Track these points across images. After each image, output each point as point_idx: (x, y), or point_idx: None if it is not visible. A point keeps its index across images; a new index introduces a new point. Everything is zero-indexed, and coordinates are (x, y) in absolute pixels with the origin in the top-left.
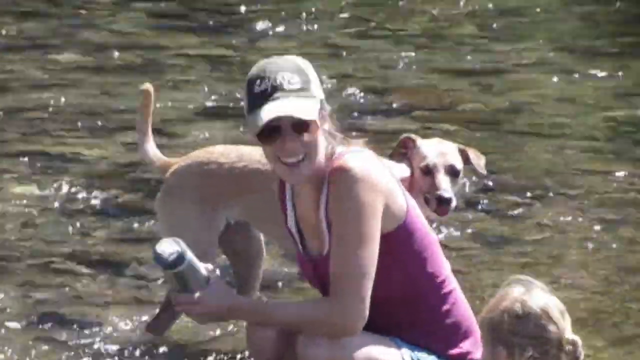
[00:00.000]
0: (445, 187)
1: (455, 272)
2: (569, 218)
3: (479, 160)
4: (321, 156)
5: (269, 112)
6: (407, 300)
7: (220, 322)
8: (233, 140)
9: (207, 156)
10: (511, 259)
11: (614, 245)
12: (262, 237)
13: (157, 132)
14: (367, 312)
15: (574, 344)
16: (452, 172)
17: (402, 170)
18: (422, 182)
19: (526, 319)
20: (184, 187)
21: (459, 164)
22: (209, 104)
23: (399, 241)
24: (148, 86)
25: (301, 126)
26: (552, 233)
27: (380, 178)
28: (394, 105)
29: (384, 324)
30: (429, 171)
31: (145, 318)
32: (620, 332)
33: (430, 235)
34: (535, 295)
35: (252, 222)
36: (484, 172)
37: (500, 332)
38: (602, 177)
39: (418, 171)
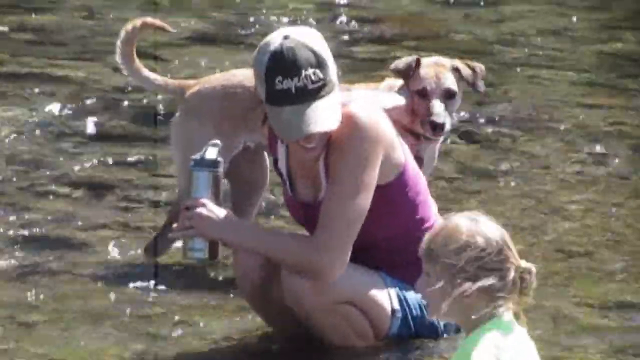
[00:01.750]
0: (437, 112)
1: (443, 201)
2: (559, 150)
3: (475, 77)
4: None
5: (300, 125)
6: (396, 243)
7: (213, 237)
8: (225, 67)
9: (231, 79)
10: (499, 190)
11: (603, 178)
12: (268, 165)
13: (144, 55)
14: (346, 261)
15: (529, 272)
16: (448, 95)
17: (395, 99)
18: (417, 104)
19: (488, 251)
20: (206, 108)
21: (454, 86)
22: (200, 28)
23: (396, 190)
24: (137, 22)
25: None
26: (541, 165)
27: (384, 129)
28: (385, 34)
29: (372, 264)
30: (424, 95)
31: (133, 242)
32: (610, 263)
33: (422, 181)
34: (491, 227)
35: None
36: (482, 88)
37: (461, 266)
38: (593, 110)
39: (414, 94)
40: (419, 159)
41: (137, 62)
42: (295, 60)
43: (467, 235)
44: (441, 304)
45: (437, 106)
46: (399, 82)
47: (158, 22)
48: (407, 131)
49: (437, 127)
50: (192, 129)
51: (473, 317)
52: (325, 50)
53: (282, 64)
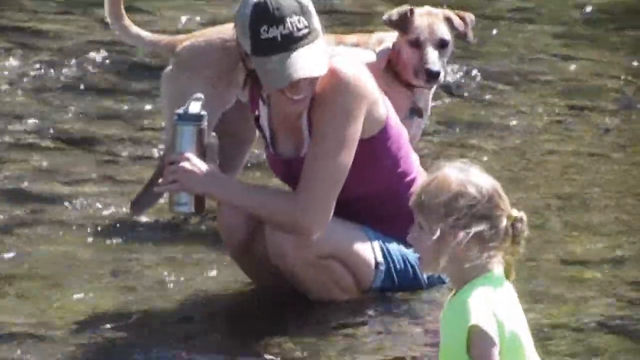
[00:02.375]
0: (432, 60)
1: (426, 156)
2: (540, 104)
3: (465, 27)
4: None
5: (288, 71)
6: (379, 197)
7: (196, 191)
8: (209, 20)
9: (226, 32)
10: (481, 143)
11: (584, 131)
12: None
13: (130, 8)
14: (329, 217)
15: (521, 220)
16: (442, 44)
17: (368, 55)
18: (410, 55)
19: (479, 199)
20: (199, 61)
21: (447, 35)
22: None
23: (379, 144)
24: None
25: (315, 78)
26: (524, 119)
27: (367, 84)
28: None
29: (355, 217)
30: (418, 45)
31: (118, 196)
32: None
33: (404, 134)
34: (482, 176)
35: None
36: (471, 38)
37: (454, 216)
38: (575, 62)
39: (407, 44)
40: (417, 110)
41: (126, 20)
42: (279, 8)
43: (457, 185)
44: (437, 256)
45: (432, 54)
46: (389, 35)
47: None
48: (400, 82)
49: (432, 75)
50: (183, 82)
51: (466, 266)
52: (309, 1)
53: (266, 13)
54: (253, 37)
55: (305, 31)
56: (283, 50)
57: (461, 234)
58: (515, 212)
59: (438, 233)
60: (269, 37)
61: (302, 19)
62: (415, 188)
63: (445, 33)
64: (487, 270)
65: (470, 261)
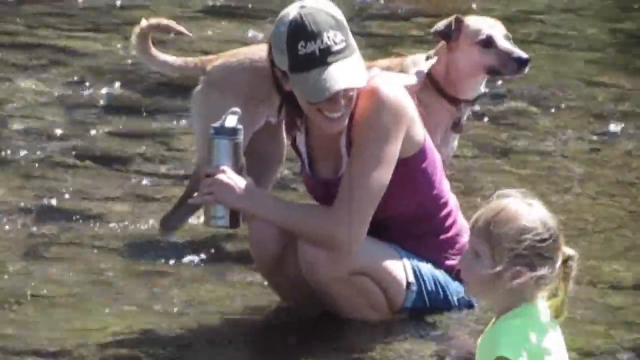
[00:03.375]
0: (516, 49)
1: (456, 179)
2: (572, 129)
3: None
4: None
5: (327, 83)
6: (412, 217)
7: (232, 205)
8: (239, 41)
9: (257, 53)
10: (511, 167)
11: (615, 157)
12: (286, 141)
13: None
14: (364, 234)
15: (573, 258)
16: (508, 38)
17: (409, 79)
18: (483, 57)
19: (546, 238)
20: (230, 81)
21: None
22: (212, 2)
23: (416, 165)
24: (153, 22)
25: (352, 91)
26: (554, 143)
27: (407, 105)
28: (398, 11)
29: (389, 239)
30: (490, 43)
31: (148, 214)
32: (623, 242)
33: (438, 158)
34: (547, 213)
35: None
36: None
37: (519, 252)
38: (606, 88)
39: (475, 48)
40: (458, 125)
41: (154, 50)
42: (316, 23)
43: (528, 221)
44: (489, 287)
45: (510, 44)
46: (422, 57)
47: (178, 27)
48: (444, 97)
49: (523, 62)
50: (213, 101)
51: (512, 298)
52: (342, 16)
53: (303, 29)
54: (290, 53)
55: (342, 45)
56: (321, 65)
57: (526, 275)
58: (568, 251)
59: (499, 268)
60: (307, 52)
61: (338, 33)
62: (478, 214)
63: (505, 30)
64: (530, 303)
65: (520, 296)
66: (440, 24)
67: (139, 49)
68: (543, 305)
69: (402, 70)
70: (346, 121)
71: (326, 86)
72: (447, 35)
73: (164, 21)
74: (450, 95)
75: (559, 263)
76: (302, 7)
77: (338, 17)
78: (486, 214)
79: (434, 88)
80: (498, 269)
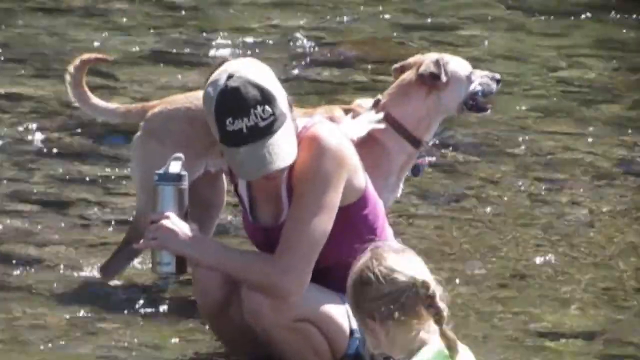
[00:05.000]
0: (487, 72)
1: (399, 226)
2: (515, 176)
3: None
4: None
5: (256, 166)
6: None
7: (176, 251)
8: (180, 85)
9: (194, 102)
10: (455, 214)
11: (558, 204)
12: (225, 187)
13: (99, 73)
14: (307, 281)
15: (424, 285)
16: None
17: (359, 130)
18: (467, 90)
19: (372, 282)
20: (168, 130)
21: None
22: (154, 47)
23: (357, 213)
24: (76, 62)
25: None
26: (497, 190)
27: (348, 152)
28: (342, 57)
29: (331, 285)
30: (472, 75)
31: (88, 259)
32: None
33: (380, 206)
34: (379, 257)
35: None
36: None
37: (359, 304)
38: (549, 136)
39: (462, 84)
40: (416, 168)
41: (93, 98)
42: (242, 100)
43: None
44: (392, 347)
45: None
46: (368, 103)
47: (95, 55)
48: (408, 141)
49: (498, 80)
50: (152, 149)
51: (404, 347)
52: (272, 83)
53: (229, 105)
54: (219, 127)
55: (270, 120)
56: (250, 142)
57: (376, 317)
58: (419, 277)
59: (362, 326)
60: (234, 129)
61: (266, 107)
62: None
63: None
64: (425, 343)
65: (403, 339)
66: (427, 67)
67: (78, 99)
68: (439, 346)
69: (355, 114)
70: (284, 176)
71: (254, 168)
72: (437, 76)
73: (85, 57)
74: (415, 137)
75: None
76: (229, 77)
77: (266, 86)
78: (350, 288)
79: (395, 130)
80: (361, 328)
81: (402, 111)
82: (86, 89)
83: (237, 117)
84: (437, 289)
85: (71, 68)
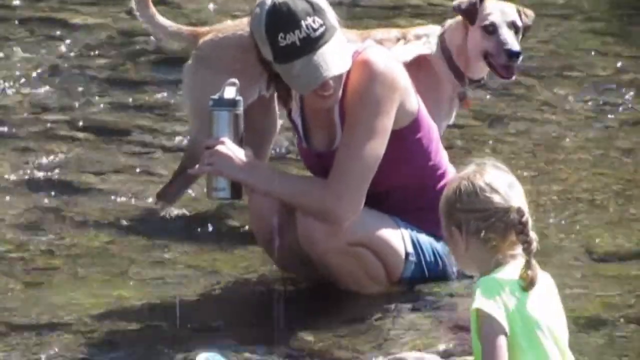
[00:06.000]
0: (511, 41)
1: (456, 148)
2: (570, 99)
3: (529, 22)
4: None
5: (312, 75)
6: (409, 189)
7: (231, 176)
8: (239, 12)
9: (245, 28)
10: (510, 137)
11: (611, 127)
12: (278, 112)
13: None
14: (361, 206)
15: (519, 211)
16: (515, 28)
17: (408, 52)
18: (484, 42)
19: (469, 194)
20: (220, 57)
21: (519, 21)
22: None
23: (410, 136)
24: None
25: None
26: (552, 113)
27: (400, 76)
28: None
29: (386, 210)
30: (492, 29)
31: (146, 187)
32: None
33: (434, 129)
34: (482, 172)
35: None
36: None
37: (450, 212)
38: (603, 58)
39: (479, 31)
40: (464, 99)
41: (152, 9)
42: (292, 13)
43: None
44: (467, 260)
45: (509, 35)
46: (429, 29)
47: None
48: (453, 73)
49: (513, 55)
50: (204, 77)
51: (480, 262)
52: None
53: (280, 20)
54: (272, 45)
55: (321, 30)
56: (304, 54)
57: (463, 229)
58: (514, 203)
59: (447, 234)
60: (287, 43)
61: (316, 18)
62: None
63: (517, 18)
64: (501, 265)
65: (495, 262)
66: (464, 2)
67: (138, 6)
68: (515, 266)
69: (407, 41)
70: (339, 95)
71: (313, 77)
72: (469, 12)
73: None
74: (458, 69)
75: (505, 217)
76: None
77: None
78: (445, 194)
79: (445, 59)
80: (445, 235)
81: (449, 38)
82: (152, 5)
83: (289, 31)
84: (530, 218)
85: None
